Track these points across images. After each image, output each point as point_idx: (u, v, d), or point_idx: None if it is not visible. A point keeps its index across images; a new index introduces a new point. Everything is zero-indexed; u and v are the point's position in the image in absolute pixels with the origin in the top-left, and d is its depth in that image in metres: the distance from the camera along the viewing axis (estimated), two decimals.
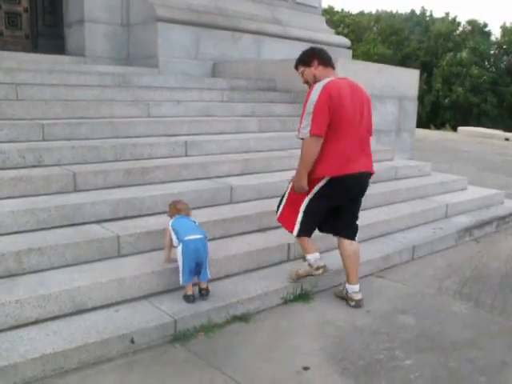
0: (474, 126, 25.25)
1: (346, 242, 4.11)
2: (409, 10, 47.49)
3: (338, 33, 16.68)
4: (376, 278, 4.76)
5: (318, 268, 4.14)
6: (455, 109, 37.50)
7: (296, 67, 4.22)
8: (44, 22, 9.08)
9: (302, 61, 4.14)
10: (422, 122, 19.24)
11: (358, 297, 4.15)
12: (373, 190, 6.08)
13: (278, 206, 4.23)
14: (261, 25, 10.18)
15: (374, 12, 48.46)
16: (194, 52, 9.17)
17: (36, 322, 3.27)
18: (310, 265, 4.13)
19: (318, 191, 3.92)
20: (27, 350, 2.98)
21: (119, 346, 3.25)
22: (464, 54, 37.67)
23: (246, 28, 9.90)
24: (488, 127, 24.01)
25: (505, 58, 42.80)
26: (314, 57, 4.07)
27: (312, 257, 4.12)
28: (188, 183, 5.03)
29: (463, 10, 77.40)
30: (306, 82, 4.11)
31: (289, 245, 4.60)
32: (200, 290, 3.76)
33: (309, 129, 3.74)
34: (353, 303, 4.14)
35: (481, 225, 6.38)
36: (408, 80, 8.80)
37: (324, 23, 12.08)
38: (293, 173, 4.06)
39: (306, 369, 3.23)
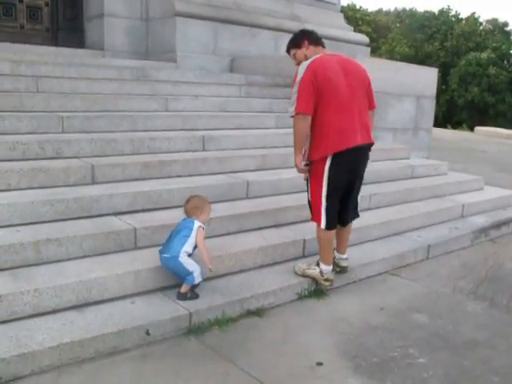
0: (491, 126, 25.00)
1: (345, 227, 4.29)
2: (428, 8, 47.09)
3: (359, 30, 16.60)
4: (390, 276, 4.75)
5: (326, 280, 4.19)
6: (471, 108, 37.19)
7: (288, 51, 4.25)
8: (64, 16, 9.15)
9: (293, 43, 4.19)
10: (438, 122, 19.16)
11: (345, 264, 4.37)
12: (389, 188, 6.09)
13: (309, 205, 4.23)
14: (279, 21, 10.17)
15: (392, 10, 48.15)
16: (211, 47, 9.19)
17: (53, 312, 3.31)
18: (320, 272, 4.16)
19: (329, 172, 3.90)
20: (45, 339, 3.02)
21: (134, 337, 3.28)
22: (484, 54, 37.31)
23: (264, 24, 9.90)
24: (505, 128, 23.75)
25: None
26: (303, 37, 4.13)
27: (327, 268, 4.16)
28: (205, 178, 5.06)
29: (483, 8, 76.75)
30: (299, 64, 4.07)
31: (304, 240, 4.61)
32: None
33: (294, 107, 3.80)
34: (338, 269, 4.33)
35: (497, 225, 6.34)
36: (426, 78, 8.75)
37: (342, 20, 12.04)
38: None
39: (319, 364, 3.25)
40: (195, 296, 3.67)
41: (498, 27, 43.06)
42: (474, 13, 43.22)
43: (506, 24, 43.33)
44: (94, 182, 4.54)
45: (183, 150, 5.47)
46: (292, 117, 3.86)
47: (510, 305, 4.32)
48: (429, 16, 44.18)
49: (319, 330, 3.68)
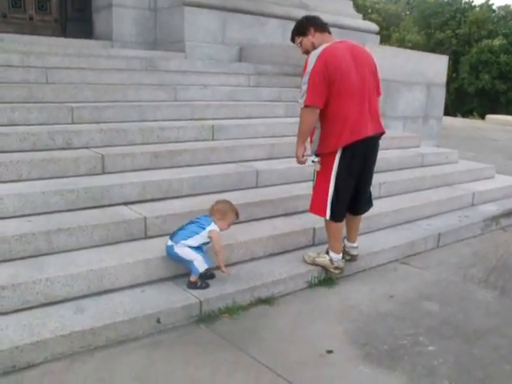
0: (502, 114, 24.79)
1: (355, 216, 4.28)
2: None
3: (368, 19, 16.47)
4: (401, 265, 4.75)
5: (336, 268, 4.19)
6: (482, 96, 36.88)
7: (292, 39, 4.18)
8: (73, 7, 9.16)
9: (298, 31, 4.09)
10: (448, 110, 19.02)
11: (355, 252, 4.34)
12: (399, 177, 6.07)
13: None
14: (287, 9, 10.10)
15: None
16: (220, 36, 9.16)
17: (65, 300, 3.34)
18: (330, 260, 4.16)
19: (338, 166, 3.87)
20: (57, 327, 3.05)
21: (145, 326, 3.30)
22: (496, 41, 36.94)
23: (273, 12, 9.84)
24: None
25: None
26: (308, 25, 4.02)
27: (336, 256, 4.16)
28: (215, 167, 5.06)
29: None
30: (306, 52, 4.02)
31: (314, 229, 4.61)
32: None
33: (304, 99, 3.73)
34: (348, 258, 4.31)
35: (508, 214, 6.30)
36: (436, 66, 8.68)
37: (351, 8, 11.95)
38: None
39: (329, 352, 3.26)
40: (205, 285, 3.69)
41: (510, 13, 42.58)
42: (488, 0, 42.66)
43: None
44: (104, 172, 4.56)
45: (193, 140, 5.48)
46: (300, 108, 3.81)
47: None
48: (441, 3, 43.79)
49: (329, 318, 3.69)
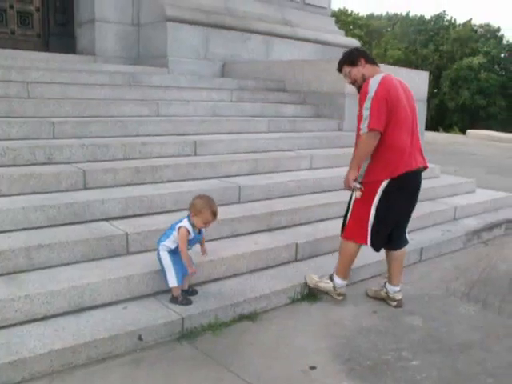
0: (482, 128, 25.12)
1: (398, 251, 4.16)
2: (421, 13, 47.61)
3: (351, 35, 16.63)
4: (383, 279, 4.74)
5: (339, 294, 4.15)
6: (462, 111, 37.46)
7: (340, 69, 4.11)
8: (55, 22, 9.15)
9: (348, 61, 4.03)
10: (428, 125, 19.22)
11: (399, 297, 4.19)
12: None
13: (343, 224, 4.10)
14: (270, 25, 10.20)
15: (384, 14, 48.54)
16: (203, 52, 9.21)
17: (45, 318, 3.30)
18: (334, 287, 4.11)
19: (382, 195, 3.81)
20: (36, 346, 3.00)
21: (127, 343, 3.27)
22: (476, 59, 37.68)
23: (256, 29, 9.92)
24: (496, 130, 23.88)
25: None
26: (360, 56, 3.99)
27: (341, 282, 4.11)
28: (197, 182, 5.05)
29: (476, 13, 77.38)
30: (354, 83, 4.03)
31: (297, 244, 4.60)
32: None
33: (367, 123, 3.67)
34: (394, 303, 4.17)
35: (489, 227, 6.36)
36: (417, 82, 8.76)
37: (333, 24, 12.09)
38: (306, 174, 4.03)
39: (312, 368, 3.24)
40: (187, 302, 3.65)
41: (490, 32, 43.43)
42: (471, 19, 43.69)
43: (498, 29, 43.72)
44: (85, 188, 4.52)
45: (175, 155, 5.46)
46: (362, 133, 3.72)
47: (502, 306, 4.33)
48: (424, 20, 44.57)
49: (312, 334, 3.67)
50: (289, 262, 4.55)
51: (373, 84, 3.73)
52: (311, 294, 4.21)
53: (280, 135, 6.73)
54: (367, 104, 3.68)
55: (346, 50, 4.19)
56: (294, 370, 3.21)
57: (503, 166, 12.44)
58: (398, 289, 4.20)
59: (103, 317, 3.40)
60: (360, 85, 3.93)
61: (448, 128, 31.88)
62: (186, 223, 3.61)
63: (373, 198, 3.84)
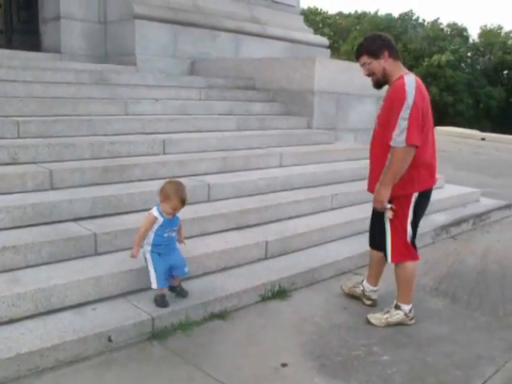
0: (450, 125, 25.54)
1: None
2: (388, 12, 48.21)
3: (320, 33, 16.71)
4: (354, 275, 4.77)
5: (369, 298, 4.12)
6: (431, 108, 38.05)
7: (358, 57, 3.69)
8: (19, 18, 8.99)
9: (370, 51, 3.61)
10: None
11: (375, 296, 4.15)
12: (351, 188, 6.12)
13: (384, 247, 3.82)
14: (239, 23, 10.17)
15: (353, 12, 48.98)
16: (171, 50, 9.13)
17: (11, 321, 3.22)
18: (405, 314, 3.84)
19: (414, 209, 3.67)
20: (1, 350, 2.93)
21: (96, 345, 3.22)
22: (443, 57, 38.31)
23: (225, 26, 9.89)
24: (464, 127, 24.31)
25: (481, 59, 43.52)
26: (384, 47, 3.58)
27: (409, 307, 3.84)
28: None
29: (443, 13, 78.60)
30: (371, 75, 3.68)
31: (267, 242, 4.60)
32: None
33: (404, 137, 3.35)
34: (369, 302, 4.14)
35: (457, 222, 6.46)
36: None
37: (302, 22, 12.12)
38: (273, 172, 3.96)
39: (284, 365, 3.24)
40: (162, 304, 3.59)
41: (457, 31, 44.20)
42: (438, 18, 44.45)
43: (464, 29, 44.52)
44: (52, 188, 4.44)
45: (144, 154, 5.40)
46: (397, 146, 3.42)
47: (470, 300, 4.40)
48: (392, 19, 45.10)
49: (283, 331, 3.68)
50: (259, 260, 4.54)
51: (410, 89, 3.39)
52: (281, 292, 4.21)
53: (249, 133, 6.71)
54: (405, 113, 3.34)
55: (368, 36, 3.75)
56: (266, 367, 3.20)
57: (470, 161, 12.66)
58: (375, 288, 4.16)
59: (72, 319, 3.34)
60: (378, 79, 3.67)
61: None
62: (153, 209, 3.57)
63: (407, 214, 3.66)
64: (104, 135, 5.53)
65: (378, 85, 3.76)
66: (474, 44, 43.70)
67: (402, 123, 3.35)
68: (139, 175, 4.95)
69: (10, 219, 3.87)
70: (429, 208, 6.36)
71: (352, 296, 4.25)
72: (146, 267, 3.61)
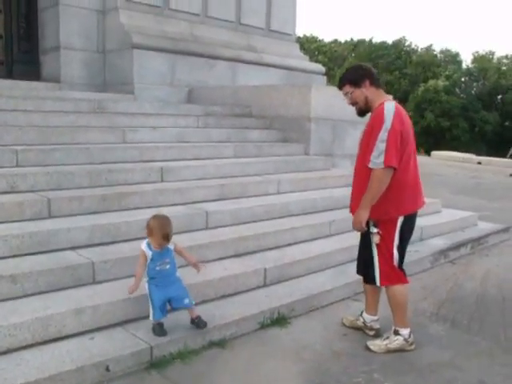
0: (446, 150, 25.67)
1: None
2: (384, 39, 48.83)
3: (315, 61, 16.88)
4: (353, 302, 4.76)
5: (371, 329, 4.04)
6: (427, 134, 38.26)
7: (341, 87, 3.81)
8: (19, 49, 9.07)
9: (352, 81, 3.74)
10: None
11: (378, 326, 4.08)
12: (348, 215, 6.09)
13: (371, 271, 3.85)
14: (236, 52, 10.30)
15: (348, 40, 49.57)
16: (169, 78, 9.23)
17: (7, 352, 3.20)
18: (405, 339, 3.83)
19: (400, 233, 3.70)
20: None
21: (94, 374, 3.19)
22: (439, 81, 38.70)
23: (221, 55, 10.01)
24: (461, 152, 24.43)
25: (475, 84, 43.94)
26: (365, 76, 3.71)
27: (407, 331, 3.85)
28: (164, 209, 4.98)
29: (435, 39, 79.78)
30: (355, 104, 3.79)
31: (265, 269, 4.59)
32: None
33: (382, 159, 3.44)
34: (372, 332, 4.06)
35: (456, 247, 6.44)
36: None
37: (298, 50, 12.26)
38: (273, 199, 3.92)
39: None
40: (160, 333, 3.57)
41: (450, 57, 44.74)
42: (432, 45, 45.01)
43: (457, 55, 45.10)
44: (50, 216, 4.44)
45: (141, 182, 5.42)
46: (375, 167, 3.50)
47: (470, 325, 4.37)
48: (386, 46, 45.65)
49: (283, 359, 3.65)
50: (258, 287, 4.52)
51: (388, 113, 3.49)
52: (281, 319, 4.19)
53: (247, 160, 6.74)
54: (383, 136, 3.44)
55: (352, 67, 3.94)
56: None
57: (467, 185, 12.69)
58: (376, 318, 4.10)
59: (69, 348, 3.32)
60: (361, 107, 3.77)
61: None
62: (143, 244, 3.60)
63: (393, 238, 3.70)
64: (102, 163, 5.55)
65: (362, 112, 3.85)
66: (467, 69, 44.16)
67: (380, 145, 3.45)
68: (137, 203, 4.96)
69: (7, 248, 3.87)
70: (427, 232, 6.52)
71: (354, 328, 4.19)
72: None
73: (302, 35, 46.42)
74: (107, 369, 3.24)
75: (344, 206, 6.33)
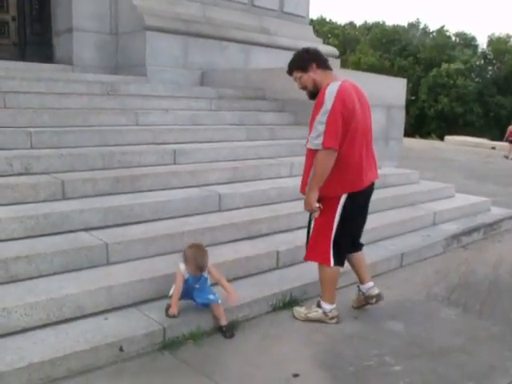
0: (460, 135, 25.46)
1: (355, 254, 4.10)
2: (398, 22, 48.23)
3: (327, 43, 16.73)
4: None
5: (332, 318, 4.01)
6: (441, 119, 37.90)
7: (290, 73, 3.87)
8: (32, 31, 9.07)
9: (298, 65, 3.79)
10: (407, 132, 19.38)
11: (376, 291, 4.11)
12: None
13: (307, 243, 3.97)
14: (248, 34, 10.23)
15: (362, 23, 49.01)
16: (182, 61, 9.19)
17: (23, 331, 3.24)
18: (324, 313, 3.95)
19: (343, 211, 3.72)
20: (13, 359, 2.95)
21: (108, 354, 3.22)
22: (452, 65, 38.20)
23: (234, 37, 9.94)
24: (474, 137, 24.23)
25: (490, 68, 43.36)
26: (311, 60, 3.74)
27: (330, 307, 3.95)
28: (177, 191, 5.02)
29: (450, 21, 78.54)
30: (304, 88, 3.85)
31: (278, 252, 4.60)
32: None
33: (321, 140, 3.48)
34: (373, 300, 4.11)
35: (468, 232, 6.42)
36: (395, 89, 8.84)
37: (312, 32, 12.15)
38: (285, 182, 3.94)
39: (295, 376, 3.22)
40: (170, 315, 3.58)
41: (466, 40, 44.11)
42: (443, 26, 44.29)
43: (473, 38, 44.45)
44: (64, 198, 4.46)
45: (154, 164, 5.43)
46: (315, 149, 3.56)
47: (482, 310, 4.37)
48: (398, 30, 45.06)
49: (295, 341, 3.67)
50: (270, 270, 4.54)
51: (329, 95, 3.52)
52: (293, 302, 4.20)
53: (260, 143, 6.73)
54: (322, 118, 3.49)
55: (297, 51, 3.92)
56: (277, 378, 3.19)
57: (480, 171, 12.61)
58: (371, 284, 4.14)
59: (83, 328, 3.35)
60: (311, 91, 3.80)
61: (426, 135, 32.21)
62: (181, 266, 3.63)
63: (334, 215, 3.73)
64: (115, 145, 5.57)
65: (312, 96, 3.85)
66: (482, 53, 43.56)
67: (319, 127, 3.50)
68: (150, 185, 4.97)
69: (22, 229, 3.90)
70: (439, 217, 6.49)
71: (363, 306, 4.23)
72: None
73: (315, 18, 46.08)
74: (121, 349, 3.27)
75: None
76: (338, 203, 3.71)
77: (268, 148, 6.59)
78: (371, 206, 6.02)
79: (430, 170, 10.37)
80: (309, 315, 3.97)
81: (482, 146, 19.64)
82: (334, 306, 4.00)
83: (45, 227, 4.01)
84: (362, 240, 5.30)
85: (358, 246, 4.14)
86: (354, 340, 3.73)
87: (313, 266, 4.29)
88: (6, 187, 4.19)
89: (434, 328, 3.97)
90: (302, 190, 3.86)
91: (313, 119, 3.63)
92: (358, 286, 4.21)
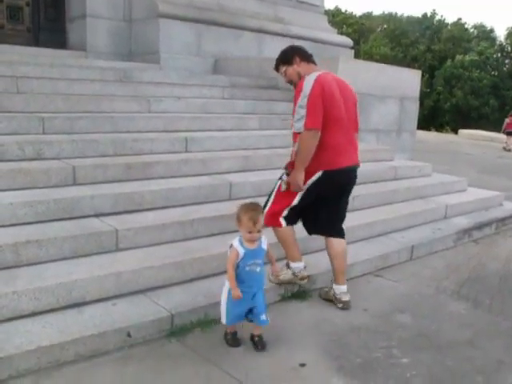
0: (474, 129, 25.24)
1: (335, 241, 4.05)
2: (415, 13, 47.74)
3: (341, 33, 16.62)
4: (374, 277, 4.75)
5: (302, 278, 4.09)
6: (455, 112, 37.55)
7: (276, 68, 4.12)
8: (46, 17, 9.07)
9: (283, 60, 4.06)
10: (421, 124, 19.20)
11: (346, 298, 4.06)
12: (372, 190, 6.09)
13: (264, 207, 3.97)
14: (262, 22, 10.17)
15: (379, 14, 48.60)
16: (195, 48, 9.17)
17: (32, 314, 3.26)
18: (293, 273, 4.09)
19: (311, 185, 3.85)
20: (22, 342, 2.97)
21: (116, 340, 3.24)
22: (467, 57, 37.78)
23: (248, 26, 9.90)
24: (488, 130, 23.99)
25: (507, 61, 42.87)
26: (294, 54, 4.01)
27: (297, 266, 4.08)
28: (188, 179, 5.02)
29: (468, 13, 77.73)
30: (290, 82, 4.06)
31: None
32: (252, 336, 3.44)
33: (303, 123, 3.66)
34: (340, 305, 4.05)
35: (480, 226, 6.38)
36: (409, 80, 8.79)
37: (326, 22, 12.08)
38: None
39: (302, 365, 3.22)
40: (232, 343, 3.39)
41: (484, 32, 43.61)
42: (461, 18, 43.79)
43: (491, 30, 43.94)
44: (75, 183, 4.48)
45: (166, 152, 5.42)
46: (298, 132, 3.72)
47: (492, 304, 4.34)
48: (413, 21, 44.63)
49: (303, 331, 3.66)
50: (279, 260, 4.52)
51: (308, 82, 3.73)
52: (302, 292, 4.20)
53: (272, 132, 6.71)
54: (302, 102, 3.68)
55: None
56: (284, 367, 3.20)
57: (494, 165, 12.51)
58: (344, 288, 4.08)
59: (92, 313, 3.37)
60: (296, 83, 3.94)
61: (440, 128, 31.98)
62: (234, 240, 3.33)
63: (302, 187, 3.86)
64: (127, 132, 5.57)
65: None
66: (500, 45, 43.05)
67: (300, 111, 3.69)
68: (161, 173, 4.97)
69: (33, 214, 3.92)
70: (451, 210, 6.45)
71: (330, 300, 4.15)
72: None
73: (332, 7, 45.78)
74: (128, 335, 3.29)
75: (368, 181, 6.33)
76: (310, 178, 3.83)
77: (280, 138, 6.55)
78: (382, 198, 6.06)
79: (443, 163, 10.30)
80: (280, 277, 4.08)
81: (496, 141, 19.45)
82: (302, 265, 4.09)
83: (55, 212, 4.02)
84: (372, 231, 5.31)
85: (339, 232, 4.12)
86: (362, 332, 3.72)
87: (322, 257, 4.29)
88: (18, 172, 4.20)
89: (443, 322, 3.95)
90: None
91: (295, 105, 3.78)
92: (332, 282, 4.14)
